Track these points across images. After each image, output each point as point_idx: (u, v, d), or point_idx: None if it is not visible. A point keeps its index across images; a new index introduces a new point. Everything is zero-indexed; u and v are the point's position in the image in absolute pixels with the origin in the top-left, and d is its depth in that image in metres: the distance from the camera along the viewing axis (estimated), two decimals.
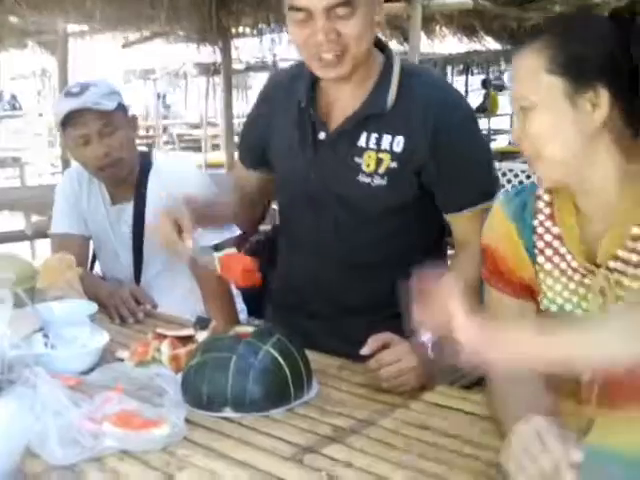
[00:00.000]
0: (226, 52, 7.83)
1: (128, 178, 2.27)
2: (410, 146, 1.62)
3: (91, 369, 1.55)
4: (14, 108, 23.34)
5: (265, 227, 2.16)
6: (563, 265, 1.33)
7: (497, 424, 1.28)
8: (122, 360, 1.61)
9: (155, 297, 2.14)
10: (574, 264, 1.31)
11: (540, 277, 1.36)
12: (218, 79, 10.61)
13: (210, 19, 6.65)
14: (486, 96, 15.60)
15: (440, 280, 1.14)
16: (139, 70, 15.80)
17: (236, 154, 2.06)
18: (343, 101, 1.68)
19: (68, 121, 2.16)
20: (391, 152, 1.63)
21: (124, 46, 8.69)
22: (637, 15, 1.29)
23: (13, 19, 6.95)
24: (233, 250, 1.61)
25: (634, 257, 1.24)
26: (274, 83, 1.89)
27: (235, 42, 7.83)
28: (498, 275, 1.41)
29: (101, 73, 10.28)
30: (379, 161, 1.64)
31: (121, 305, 2.03)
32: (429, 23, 8.10)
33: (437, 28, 8.88)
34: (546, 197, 1.36)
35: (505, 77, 18.38)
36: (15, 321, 1.49)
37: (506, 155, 7.49)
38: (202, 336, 1.61)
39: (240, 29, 7.45)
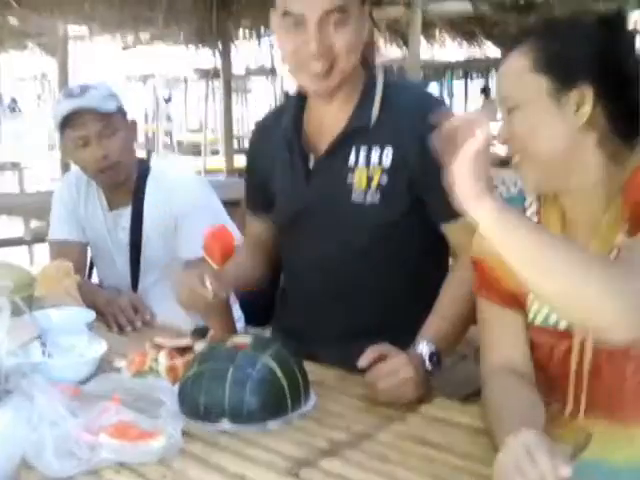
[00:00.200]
0: (225, 55, 7.83)
1: (126, 183, 2.27)
2: (399, 156, 1.64)
3: (88, 378, 1.55)
4: (14, 111, 23.37)
5: None
6: None
7: (491, 437, 1.27)
8: (119, 370, 1.60)
9: (152, 305, 2.13)
10: None
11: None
12: (217, 83, 10.58)
13: (209, 21, 6.66)
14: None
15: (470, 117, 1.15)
16: (139, 74, 15.81)
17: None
18: (330, 119, 1.70)
19: (67, 122, 2.16)
20: (381, 166, 1.64)
21: (124, 48, 8.71)
22: (625, 17, 1.30)
23: (13, 21, 6.96)
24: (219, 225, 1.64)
25: None
26: (260, 128, 1.91)
27: (234, 45, 7.84)
28: (488, 286, 1.41)
29: (101, 76, 10.27)
30: (370, 178, 1.65)
31: (119, 314, 2.02)
32: (429, 28, 8.12)
33: (437, 33, 8.89)
34: (534, 207, 1.37)
35: None
36: (13, 329, 1.49)
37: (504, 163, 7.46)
38: (200, 346, 1.60)
39: (240, 32, 7.47)
